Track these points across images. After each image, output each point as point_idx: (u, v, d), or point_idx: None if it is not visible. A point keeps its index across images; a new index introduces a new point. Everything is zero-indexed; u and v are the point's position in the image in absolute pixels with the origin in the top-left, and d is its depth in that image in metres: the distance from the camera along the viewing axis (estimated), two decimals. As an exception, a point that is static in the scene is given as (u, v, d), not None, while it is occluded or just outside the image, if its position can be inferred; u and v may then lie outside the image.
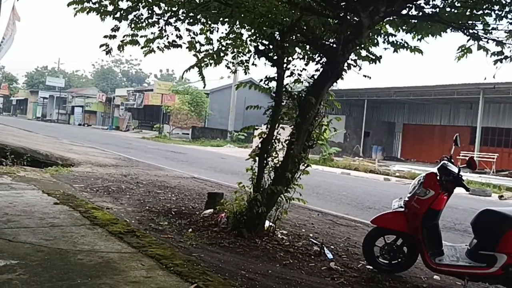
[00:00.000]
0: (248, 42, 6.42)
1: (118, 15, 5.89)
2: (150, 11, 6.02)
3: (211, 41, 6.59)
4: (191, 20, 6.20)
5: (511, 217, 4.20)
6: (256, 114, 6.70)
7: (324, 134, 6.21)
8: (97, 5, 5.81)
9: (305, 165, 5.76)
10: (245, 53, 6.59)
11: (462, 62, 6.17)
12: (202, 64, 6.60)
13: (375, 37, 6.19)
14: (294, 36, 5.80)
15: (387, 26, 6.16)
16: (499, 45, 5.51)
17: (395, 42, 6.17)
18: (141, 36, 6.33)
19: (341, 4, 5.70)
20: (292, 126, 5.71)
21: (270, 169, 5.72)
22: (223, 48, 6.58)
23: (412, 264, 4.86)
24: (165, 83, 47.31)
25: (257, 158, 5.75)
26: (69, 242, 4.13)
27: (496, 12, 5.37)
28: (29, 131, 24.54)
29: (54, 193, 6.54)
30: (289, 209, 5.99)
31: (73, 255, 3.77)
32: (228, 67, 6.78)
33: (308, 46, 6.05)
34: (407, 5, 5.56)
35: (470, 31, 5.57)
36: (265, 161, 5.72)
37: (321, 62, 5.72)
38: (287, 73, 5.89)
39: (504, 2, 5.27)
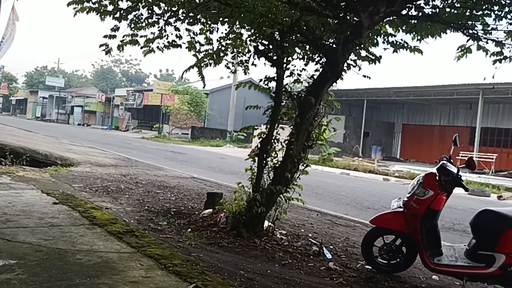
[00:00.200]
0: (248, 42, 6.42)
1: (118, 15, 5.89)
2: (150, 11, 6.02)
3: (211, 41, 6.59)
4: (191, 20, 6.20)
5: (510, 217, 4.21)
6: (256, 114, 6.70)
7: (323, 134, 6.22)
8: (97, 5, 5.81)
9: (305, 165, 5.76)
10: (244, 53, 6.59)
11: (462, 62, 6.18)
12: (202, 64, 6.60)
13: (375, 37, 6.19)
14: (293, 36, 5.80)
15: (387, 26, 6.16)
16: (498, 46, 5.51)
17: (395, 42, 6.18)
18: (141, 36, 6.33)
19: (341, 4, 5.70)
20: (292, 126, 5.71)
21: (270, 169, 5.72)
22: (223, 48, 6.58)
23: (411, 264, 4.86)
24: (164, 83, 47.29)
25: (256, 158, 5.75)
26: (68, 242, 4.13)
27: (496, 12, 5.37)
28: (28, 131, 24.53)
29: (53, 193, 6.53)
30: (288, 209, 5.99)
31: (72, 255, 3.77)
32: (228, 67, 6.78)
33: (307, 46, 6.05)
34: (407, 5, 5.56)
35: (470, 31, 5.58)
36: (264, 161, 5.72)
37: (320, 62, 5.73)
38: (287, 73, 5.89)
39: (503, 2, 5.27)
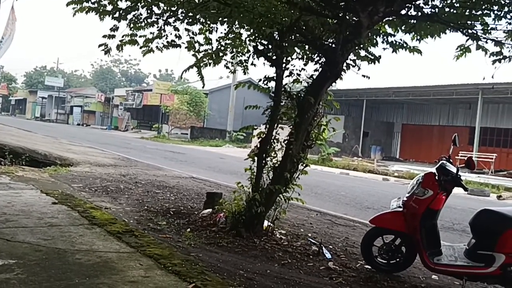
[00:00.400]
0: (247, 42, 6.42)
1: (117, 15, 5.89)
2: (149, 11, 6.01)
3: (210, 41, 6.59)
4: (190, 20, 6.19)
5: (509, 217, 4.21)
6: (255, 114, 6.70)
7: (323, 134, 6.22)
8: (96, 5, 5.80)
9: (304, 165, 5.76)
10: (244, 53, 6.59)
11: (461, 62, 6.18)
12: (201, 64, 6.59)
13: (374, 37, 6.19)
14: (293, 36, 5.80)
15: (386, 26, 6.16)
16: (498, 45, 5.51)
17: (394, 42, 6.18)
18: (140, 36, 6.33)
19: (340, 4, 5.70)
20: (291, 126, 5.71)
21: (269, 169, 5.72)
22: (222, 48, 6.58)
23: (411, 264, 4.86)
24: (164, 83, 47.27)
25: (255, 158, 5.75)
26: (67, 242, 4.12)
27: (495, 12, 5.37)
28: (27, 131, 24.52)
29: (52, 193, 6.53)
30: (287, 209, 5.99)
31: (71, 254, 3.77)
32: (227, 67, 6.78)
33: (307, 46, 6.05)
34: (406, 5, 5.56)
35: (469, 31, 5.58)
36: (264, 161, 5.72)
37: (320, 62, 5.72)
38: (286, 73, 5.89)
39: (503, 2, 5.27)
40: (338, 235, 6.56)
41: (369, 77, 6.07)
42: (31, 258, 3.55)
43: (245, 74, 6.85)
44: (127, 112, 50.48)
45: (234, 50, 6.60)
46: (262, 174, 5.70)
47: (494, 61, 5.58)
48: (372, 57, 6.15)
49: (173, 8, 6.00)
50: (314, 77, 5.71)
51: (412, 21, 5.83)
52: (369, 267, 4.89)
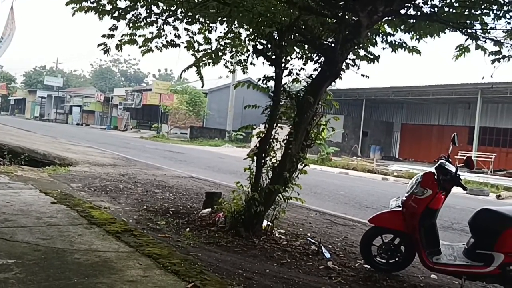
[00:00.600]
0: (247, 42, 6.41)
1: (116, 14, 5.88)
2: (148, 11, 6.01)
3: (209, 41, 6.58)
4: (190, 20, 6.19)
5: (508, 217, 4.21)
6: (255, 113, 6.69)
7: (322, 134, 6.21)
8: (95, 5, 5.81)
9: (303, 164, 5.76)
10: (243, 52, 6.59)
11: (460, 62, 6.19)
12: (201, 64, 6.59)
13: (374, 36, 6.19)
14: (292, 36, 5.80)
15: (386, 26, 6.16)
16: (497, 45, 5.51)
17: (393, 42, 6.18)
18: (140, 36, 6.33)
19: (340, 3, 5.70)
20: (290, 126, 5.71)
21: (268, 168, 5.72)
22: (222, 48, 6.57)
23: (410, 263, 4.86)
24: (163, 83, 47.27)
25: (255, 158, 5.75)
26: (66, 242, 4.12)
27: (494, 11, 5.38)
28: (27, 131, 24.51)
29: (51, 193, 6.53)
30: (287, 208, 5.99)
31: (70, 254, 3.76)
32: (227, 67, 6.78)
33: (306, 46, 6.05)
34: (406, 4, 5.56)
35: (468, 30, 5.58)
36: (263, 161, 5.71)
37: (319, 61, 5.72)
38: (286, 72, 5.88)
39: (502, 1, 5.27)
40: (337, 234, 6.56)
41: (368, 77, 6.08)
42: (30, 258, 3.55)
43: (244, 73, 6.85)
44: (126, 112, 50.44)
45: (234, 49, 6.60)
46: (261, 173, 5.70)
47: (493, 61, 5.58)
48: (372, 57, 6.15)
49: (172, 8, 6.00)
50: (314, 76, 5.71)
51: (412, 20, 5.83)
52: (368, 266, 4.89)
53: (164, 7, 6.00)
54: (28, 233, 4.26)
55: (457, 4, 5.58)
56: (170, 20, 6.17)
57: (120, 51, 6.43)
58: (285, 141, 5.64)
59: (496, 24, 5.45)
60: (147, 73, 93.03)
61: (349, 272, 4.66)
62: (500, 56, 5.54)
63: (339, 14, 5.55)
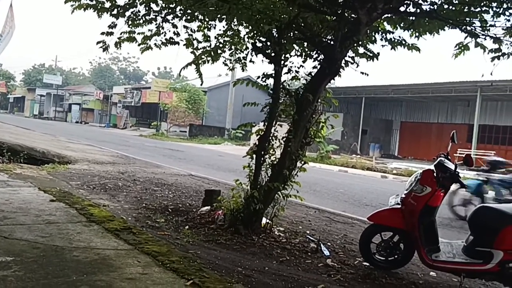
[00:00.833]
0: (246, 39, 6.41)
1: (115, 12, 5.87)
2: (147, 8, 6.00)
3: (208, 38, 6.57)
4: (189, 17, 6.18)
5: (507, 214, 4.20)
6: (254, 111, 6.70)
7: (321, 132, 6.21)
8: (94, 2, 5.79)
9: (302, 162, 5.75)
10: (242, 50, 6.58)
11: (460, 60, 6.18)
12: (200, 61, 6.58)
13: (373, 34, 6.18)
14: (291, 33, 5.79)
15: (385, 23, 6.15)
16: (496, 42, 5.50)
17: (392, 39, 6.17)
18: (138, 33, 6.32)
19: (339, 1, 5.69)
20: (290, 123, 5.70)
21: (268, 166, 5.71)
22: (221, 45, 6.57)
23: (409, 260, 4.86)
24: (162, 81, 47.23)
25: (254, 156, 5.75)
26: (65, 239, 4.12)
27: (494, 9, 5.36)
28: (26, 129, 24.50)
29: (50, 190, 6.52)
30: (286, 206, 5.99)
31: (69, 252, 3.77)
32: (226, 64, 6.78)
33: (305, 43, 6.04)
34: (405, 2, 5.55)
35: (468, 28, 5.56)
36: (262, 159, 5.71)
37: (318, 59, 5.71)
38: (285, 70, 5.88)
39: (501, -1, 5.26)
40: (336, 232, 6.56)
41: (367, 74, 6.06)
42: (29, 256, 3.55)
43: (243, 71, 6.84)
44: (125, 110, 50.41)
45: (233, 47, 6.59)
46: (261, 171, 5.70)
47: (493, 58, 5.56)
48: (371, 54, 6.14)
49: (171, 5, 5.99)
50: (313, 74, 5.70)
51: (411, 18, 5.81)
52: (368, 264, 4.89)
53: (163, 5, 5.99)
54: (27, 231, 4.26)
55: (456, 1, 5.57)
56: (169, 17, 6.16)
57: (119, 49, 6.43)
58: (284, 139, 5.64)
59: (495, 21, 5.43)
60: (146, 71, 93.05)
61: (348, 270, 4.66)
62: (500, 53, 5.52)
63: (339, 12, 5.54)
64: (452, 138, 4.95)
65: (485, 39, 5.56)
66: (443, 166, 4.64)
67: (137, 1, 5.86)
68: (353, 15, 5.57)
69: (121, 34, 6.17)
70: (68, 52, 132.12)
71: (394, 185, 14.99)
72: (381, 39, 6.22)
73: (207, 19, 6.29)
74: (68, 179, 8.54)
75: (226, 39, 6.52)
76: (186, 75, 52.89)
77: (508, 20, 5.37)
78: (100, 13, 5.87)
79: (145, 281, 3.23)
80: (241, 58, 6.58)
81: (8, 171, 8.24)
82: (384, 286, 4.32)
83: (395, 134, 35.51)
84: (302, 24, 5.68)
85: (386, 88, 29.97)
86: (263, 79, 5.91)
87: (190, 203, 7.39)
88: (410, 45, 6.05)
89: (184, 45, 6.49)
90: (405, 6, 5.60)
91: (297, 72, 5.94)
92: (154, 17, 6.11)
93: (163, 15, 6.13)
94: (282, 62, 5.82)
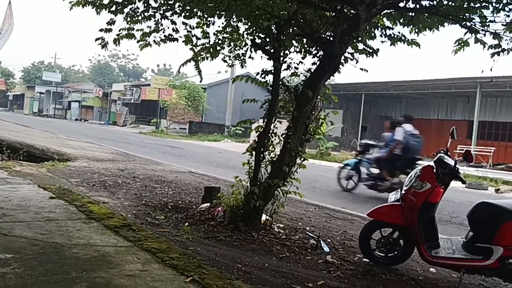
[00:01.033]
0: (245, 36, 6.38)
1: (113, 8, 5.85)
2: (146, 4, 5.97)
3: (207, 35, 6.55)
4: (188, 14, 6.16)
5: (507, 210, 4.20)
6: (253, 108, 6.67)
7: (321, 128, 6.20)
8: (92, -2, 5.77)
9: (302, 159, 5.75)
10: (241, 46, 6.56)
11: (460, 56, 6.17)
12: (199, 58, 6.57)
13: (372, 30, 6.16)
14: (290, 29, 5.77)
15: (384, 19, 6.13)
16: (496, 38, 5.49)
17: (392, 35, 6.15)
18: (137, 30, 6.30)
19: (338, -4, 5.67)
20: (289, 120, 5.69)
21: (267, 163, 5.71)
22: (220, 42, 6.54)
23: (408, 256, 4.86)
24: (162, 78, 47.17)
25: (254, 152, 5.74)
26: (65, 236, 4.12)
27: (493, 4, 5.35)
28: (25, 126, 24.47)
29: (50, 188, 6.52)
30: (285, 202, 5.98)
31: (68, 249, 3.76)
32: (225, 61, 6.75)
33: (305, 39, 6.02)
34: (405, -3, 5.53)
35: (467, 24, 5.55)
36: (262, 155, 5.70)
37: (318, 55, 5.70)
38: (284, 66, 5.85)
39: (501, -6, 5.25)
40: (336, 228, 6.56)
41: (367, 70, 6.05)
42: (28, 253, 3.55)
43: (242, 67, 6.82)
44: (125, 107, 50.38)
45: (232, 43, 6.57)
46: (260, 168, 5.69)
47: (492, 54, 5.55)
48: (370, 50, 6.12)
49: (170, 2, 5.97)
50: (312, 70, 5.69)
51: (410, 13, 5.80)
52: (367, 260, 4.89)
53: (162, 1, 5.97)
54: (27, 228, 4.26)
55: (456, -3, 5.55)
56: (168, 14, 6.14)
57: (118, 46, 6.40)
58: (284, 136, 5.63)
59: (495, 17, 5.42)
60: (145, 68, 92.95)
61: (348, 266, 4.66)
62: (500, 49, 5.51)
63: (338, 8, 5.52)
64: (452, 134, 4.95)
65: (484, 35, 5.55)
66: (443, 162, 4.64)
67: (135, -3, 5.84)
68: (352, 11, 5.54)
69: (119, 31, 6.16)
70: (67, 49, 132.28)
71: (394, 181, 14.96)
72: (381, 35, 6.21)
73: (206, 16, 6.27)
74: (67, 177, 8.53)
75: (225, 35, 6.50)
76: (186, 72, 52.95)
77: (508, 16, 5.35)
78: (98, 10, 5.85)
79: (144, 277, 3.23)
80: (240, 55, 6.56)
81: (8, 168, 8.23)
82: (384, 282, 4.32)
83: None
84: (301, 20, 5.66)
85: (386, 84, 29.94)
86: (262, 76, 5.89)
87: (190, 200, 7.39)
88: (410, 41, 6.03)
89: (183, 41, 6.47)
90: (404, 1, 5.58)
91: (296, 68, 5.91)
92: (152, 13, 6.09)
93: (161, 12, 6.11)
94: (281, 58, 5.80)
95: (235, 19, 6.15)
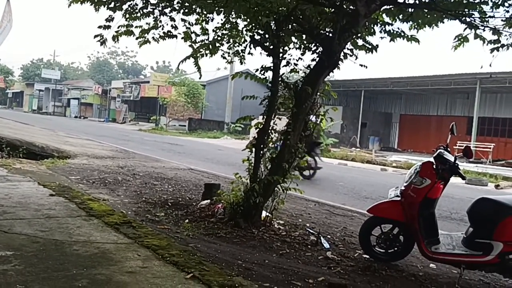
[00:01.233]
0: (244, 32, 6.37)
1: (112, 5, 5.85)
2: (144, 1, 5.98)
3: (206, 31, 6.54)
4: (186, 10, 6.14)
5: (507, 205, 4.20)
6: (253, 105, 6.68)
7: (321, 125, 6.20)
8: (91, -5, 5.76)
9: (302, 155, 5.75)
10: (241, 43, 6.55)
11: (459, 52, 6.16)
12: (198, 55, 6.56)
13: (372, 26, 6.15)
14: (290, 26, 5.76)
15: (384, 15, 6.12)
16: (495, 34, 5.48)
17: (391, 31, 6.14)
18: (136, 27, 6.30)
19: (337, -8, 5.65)
20: (289, 117, 5.69)
21: (267, 159, 5.71)
22: (219, 38, 6.53)
23: (409, 252, 4.86)
24: (161, 75, 47.11)
25: (253, 149, 5.74)
26: (65, 233, 4.12)
27: (493, 0, 5.34)
28: (25, 124, 24.43)
29: (50, 185, 6.52)
30: (285, 199, 5.99)
31: (69, 246, 3.76)
32: (224, 57, 6.75)
33: (304, 36, 6.01)
34: (404, -7, 5.52)
35: (467, 19, 5.54)
36: (261, 152, 5.70)
37: (317, 51, 5.69)
38: (283, 62, 5.85)
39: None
40: (336, 225, 6.56)
41: (366, 67, 6.03)
42: (29, 250, 3.55)
43: (242, 64, 6.81)
44: (124, 104, 50.29)
45: (231, 40, 6.56)
46: (260, 164, 5.69)
47: (492, 50, 5.55)
48: (370, 46, 6.11)
49: (169, -2, 5.96)
50: (312, 66, 5.68)
51: (410, 9, 5.78)
52: (367, 256, 4.90)
53: (161, -3, 5.96)
54: (27, 225, 4.26)
55: (455, -7, 5.53)
56: (166, 10, 6.14)
57: (117, 43, 6.40)
58: (283, 132, 5.63)
59: (494, 12, 5.41)
60: (145, 65, 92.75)
61: (348, 262, 4.66)
62: (499, 45, 5.51)
63: (337, 4, 5.51)
64: (452, 130, 4.94)
65: (484, 30, 5.54)
66: (443, 158, 4.64)
67: (134, -6, 5.83)
68: (351, 7, 5.53)
69: (118, 27, 6.16)
70: (66, 46, 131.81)
71: (394, 177, 14.99)
72: (380, 31, 6.20)
73: (205, 12, 6.25)
74: (67, 174, 8.53)
75: (224, 32, 6.49)
76: (185, 69, 52.98)
77: (507, 11, 5.35)
78: (97, 7, 5.84)
79: (145, 274, 3.23)
80: (240, 51, 6.56)
81: (7, 166, 8.23)
82: (384, 278, 4.32)
83: (395, 127, 35.49)
84: (301, 17, 5.65)
85: (385, 81, 29.92)
86: (262, 72, 5.89)
87: (190, 197, 7.40)
88: (409, 37, 6.02)
89: (182, 38, 6.47)
90: (403, -3, 5.57)
91: (295, 64, 5.91)
92: (151, 10, 6.09)
93: (160, 8, 6.10)
94: (281, 54, 5.80)
95: (234, 16, 6.14)
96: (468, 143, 19.42)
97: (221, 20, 6.35)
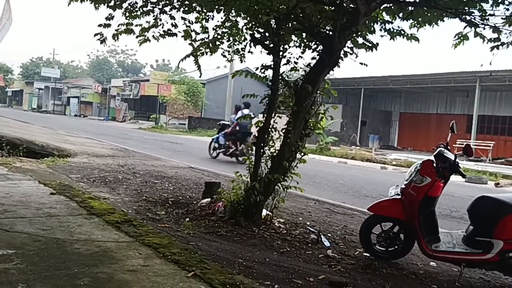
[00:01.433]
0: (244, 30, 6.37)
1: (112, 3, 5.83)
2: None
3: (206, 30, 6.53)
4: (186, 8, 6.13)
5: (507, 204, 4.21)
6: (253, 103, 6.69)
7: (321, 123, 6.20)
8: (90, -7, 5.75)
9: (302, 153, 5.75)
10: (241, 41, 6.54)
11: (459, 50, 6.16)
12: (198, 53, 6.55)
13: (372, 24, 6.14)
14: (290, 24, 5.75)
15: (384, 13, 6.11)
16: (495, 32, 5.47)
17: (391, 29, 6.13)
18: (136, 25, 6.28)
19: (338, -9, 5.65)
20: (289, 115, 5.69)
21: (267, 158, 5.71)
22: (219, 37, 6.52)
23: (409, 251, 4.87)
24: (161, 73, 47.06)
25: (254, 147, 5.74)
26: (66, 232, 4.13)
27: (493, -2, 5.33)
28: (25, 122, 24.45)
29: (50, 184, 6.52)
30: (286, 197, 5.99)
31: (70, 244, 3.77)
32: (224, 56, 6.74)
33: (304, 34, 6.00)
34: (404, -9, 5.51)
35: (467, 17, 5.53)
36: (262, 150, 5.71)
37: (317, 50, 5.69)
38: (283, 61, 5.85)
39: (501, -12, 5.23)
40: (336, 223, 6.57)
41: (366, 65, 6.03)
42: (30, 248, 3.55)
43: (242, 62, 6.81)
44: (124, 103, 50.29)
45: (231, 38, 6.55)
46: (260, 163, 5.70)
47: (492, 48, 5.54)
48: (370, 45, 6.10)
49: (169, -4, 5.95)
50: (312, 65, 5.68)
51: (410, 7, 5.78)
52: (368, 254, 4.90)
53: (161, -4, 5.95)
54: (28, 224, 4.27)
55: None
56: (166, 9, 6.12)
57: (116, 41, 6.38)
58: (284, 131, 5.63)
59: (494, 10, 5.40)
60: (144, 64, 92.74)
61: (348, 261, 4.67)
62: (499, 43, 5.50)
63: (337, 2, 5.51)
64: (452, 128, 4.95)
65: (484, 28, 5.53)
66: (443, 156, 4.64)
67: (134, -8, 5.82)
68: (351, 5, 5.53)
69: (118, 26, 6.14)
70: (66, 45, 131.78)
71: (394, 176, 15.01)
72: (380, 30, 6.19)
73: (205, 10, 6.24)
74: (68, 172, 8.53)
75: (224, 30, 6.48)
76: (185, 68, 52.92)
77: (507, 9, 5.34)
78: (97, 5, 5.83)
79: (146, 273, 3.23)
80: (240, 50, 6.55)
81: (8, 164, 8.24)
82: (385, 276, 4.33)
83: (395, 125, 35.51)
84: (301, 15, 5.64)
85: (385, 79, 29.93)
86: (262, 71, 5.89)
87: (190, 195, 7.40)
88: (409, 35, 6.01)
89: (182, 37, 6.46)
90: (403, -5, 5.56)
91: (296, 63, 5.90)
92: (151, 8, 6.08)
93: (160, 7, 6.09)
94: (281, 53, 5.79)
95: (234, 14, 6.14)
96: (468, 141, 19.45)
97: (221, 18, 6.35)
